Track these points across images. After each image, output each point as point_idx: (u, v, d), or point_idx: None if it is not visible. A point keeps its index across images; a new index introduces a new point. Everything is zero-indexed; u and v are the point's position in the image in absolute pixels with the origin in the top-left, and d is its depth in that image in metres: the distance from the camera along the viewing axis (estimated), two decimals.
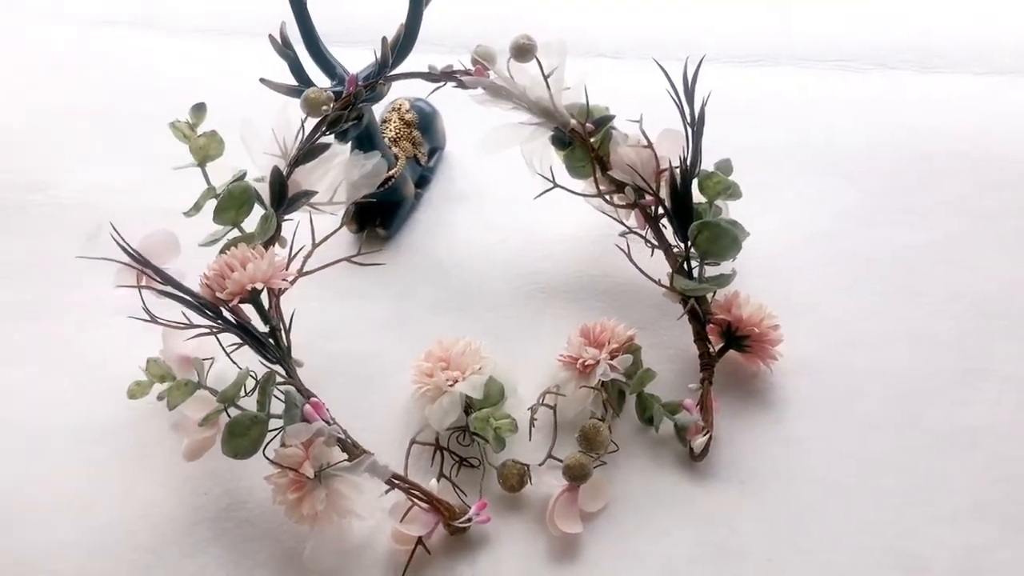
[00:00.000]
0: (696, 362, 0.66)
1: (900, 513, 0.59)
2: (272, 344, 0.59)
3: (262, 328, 0.60)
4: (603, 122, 0.69)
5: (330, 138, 0.67)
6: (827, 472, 0.61)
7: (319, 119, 0.66)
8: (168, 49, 1.03)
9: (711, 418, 0.62)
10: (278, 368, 0.59)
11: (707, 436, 0.61)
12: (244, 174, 0.65)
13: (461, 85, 0.69)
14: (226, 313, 0.57)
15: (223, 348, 0.59)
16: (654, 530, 0.59)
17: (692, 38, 1.01)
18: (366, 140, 0.72)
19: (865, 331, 0.69)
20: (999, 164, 0.83)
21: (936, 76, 0.93)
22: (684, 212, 0.65)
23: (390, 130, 0.79)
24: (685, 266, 0.66)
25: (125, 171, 0.86)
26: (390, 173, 0.75)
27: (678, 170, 0.65)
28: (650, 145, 0.67)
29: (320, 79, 0.69)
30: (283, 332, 0.60)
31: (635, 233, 0.70)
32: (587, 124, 0.68)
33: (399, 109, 0.81)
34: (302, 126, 0.65)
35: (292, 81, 0.69)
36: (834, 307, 0.71)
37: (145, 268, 0.56)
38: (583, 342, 0.64)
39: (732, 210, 0.72)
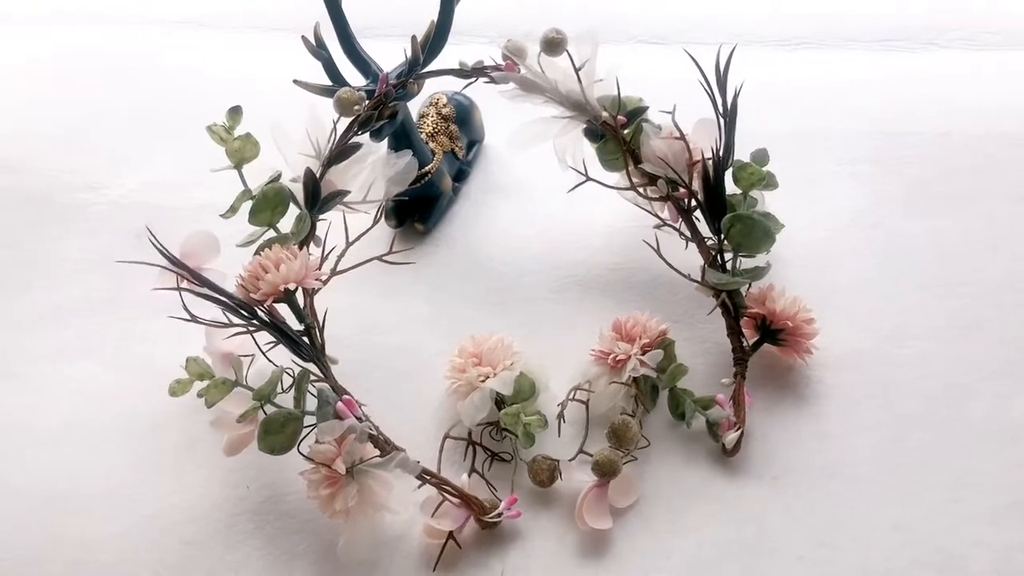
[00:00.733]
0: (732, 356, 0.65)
1: (937, 511, 0.58)
2: (306, 343, 0.60)
3: (297, 326, 0.61)
4: (635, 114, 0.68)
5: (364, 137, 0.68)
6: (862, 468, 0.60)
7: (351, 119, 0.66)
8: (217, 47, 1.05)
9: (743, 413, 0.62)
10: (312, 366, 0.60)
11: (739, 432, 0.60)
12: (279, 175, 0.66)
13: (492, 81, 0.69)
14: (260, 313, 0.59)
15: (258, 347, 0.60)
16: (684, 526, 0.59)
17: (733, 21, 0.99)
18: (402, 137, 0.72)
19: (906, 323, 0.68)
20: None
21: (989, 54, 0.90)
22: (717, 204, 0.65)
23: (427, 125, 0.80)
24: (719, 259, 0.66)
25: (177, 169, 0.88)
26: (426, 169, 0.76)
27: (711, 162, 0.64)
28: (682, 137, 0.66)
29: (355, 77, 0.70)
30: (317, 330, 0.62)
31: (669, 226, 0.69)
32: (619, 116, 0.68)
33: (436, 103, 0.82)
34: (334, 127, 0.66)
35: (326, 80, 0.69)
36: (874, 298, 0.70)
37: (181, 271, 0.58)
38: (615, 337, 0.64)
39: (770, 200, 0.71)
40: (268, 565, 0.59)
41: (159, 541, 0.61)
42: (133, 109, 0.96)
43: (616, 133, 0.68)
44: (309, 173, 0.64)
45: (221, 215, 0.66)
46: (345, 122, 0.67)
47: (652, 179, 0.68)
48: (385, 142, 0.71)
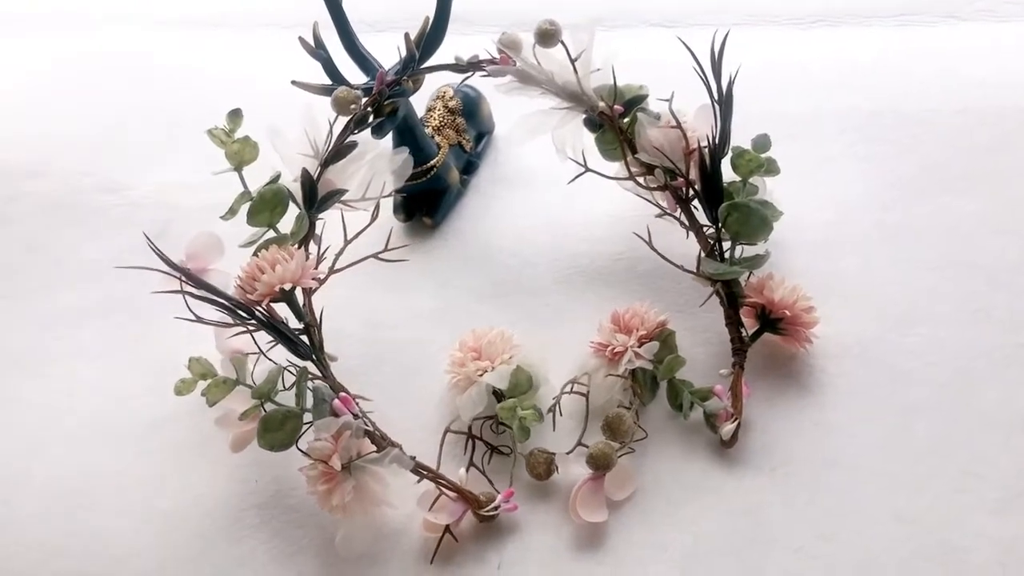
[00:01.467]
0: None
1: (939, 502, 0.57)
2: (305, 341, 0.61)
3: (297, 325, 0.62)
4: (633, 103, 0.68)
5: (365, 134, 0.69)
6: (864, 458, 0.60)
7: (349, 117, 0.67)
8: (234, 47, 1.06)
9: (740, 404, 0.61)
10: (310, 364, 0.61)
11: (736, 423, 0.60)
12: (279, 176, 0.67)
13: (490, 74, 0.69)
14: (258, 313, 0.60)
15: (258, 346, 0.61)
16: (682, 518, 0.59)
17: (747, 1, 0.96)
18: (406, 132, 0.72)
19: (914, 308, 0.66)
20: None
21: (1010, 25, 0.87)
22: (714, 193, 0.64)
23: (434, 118, 0.80)
24: (717, 248, 0.65)
25: (197, 169, 0.88)
26: (432, 163, 0.76)
27: (707, 150, 0.64)
28: (678, 125, 0.65)
29: (356, 75, 0.70)
30: (315, 329, 0.63)
31: (668, 215, 0.69)
32: (615, 106, 0.67)
33: (443, 96, 0.81)
34: (331, 126, 0.67)
35: (326, 80, 0.70)
36: (882, 284, 0.68)
37: (180, 274, 0.59)
38: (613, 328, 0.63)
39: (779, 183, 0.69)
40: (273, 559, 0.61)
41: (170, 537, 0.62)
42: (152, 111, 0.97)
43: (613, 123, 0.67)
44: (306, 173, 0.65)
45: (221, 217, 0.67)
46: (343, 121, 0.67)
47: (650, 168, 0.67)
48: (389, 138, 0.72)
